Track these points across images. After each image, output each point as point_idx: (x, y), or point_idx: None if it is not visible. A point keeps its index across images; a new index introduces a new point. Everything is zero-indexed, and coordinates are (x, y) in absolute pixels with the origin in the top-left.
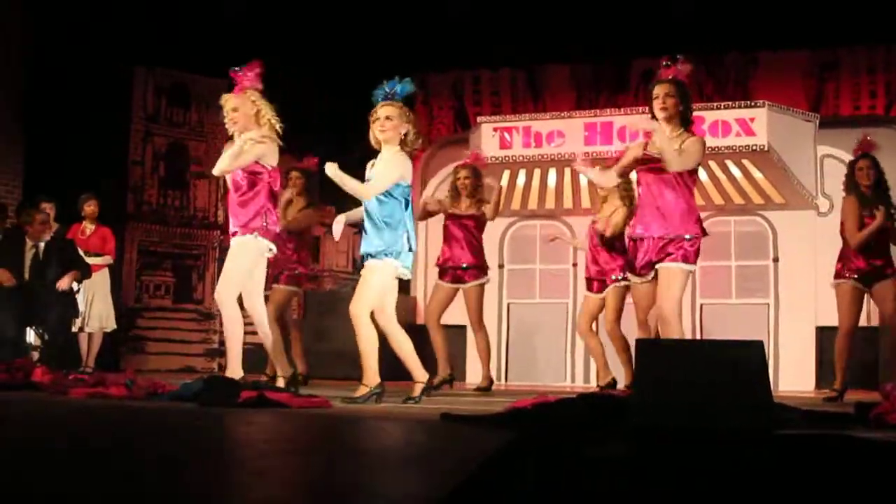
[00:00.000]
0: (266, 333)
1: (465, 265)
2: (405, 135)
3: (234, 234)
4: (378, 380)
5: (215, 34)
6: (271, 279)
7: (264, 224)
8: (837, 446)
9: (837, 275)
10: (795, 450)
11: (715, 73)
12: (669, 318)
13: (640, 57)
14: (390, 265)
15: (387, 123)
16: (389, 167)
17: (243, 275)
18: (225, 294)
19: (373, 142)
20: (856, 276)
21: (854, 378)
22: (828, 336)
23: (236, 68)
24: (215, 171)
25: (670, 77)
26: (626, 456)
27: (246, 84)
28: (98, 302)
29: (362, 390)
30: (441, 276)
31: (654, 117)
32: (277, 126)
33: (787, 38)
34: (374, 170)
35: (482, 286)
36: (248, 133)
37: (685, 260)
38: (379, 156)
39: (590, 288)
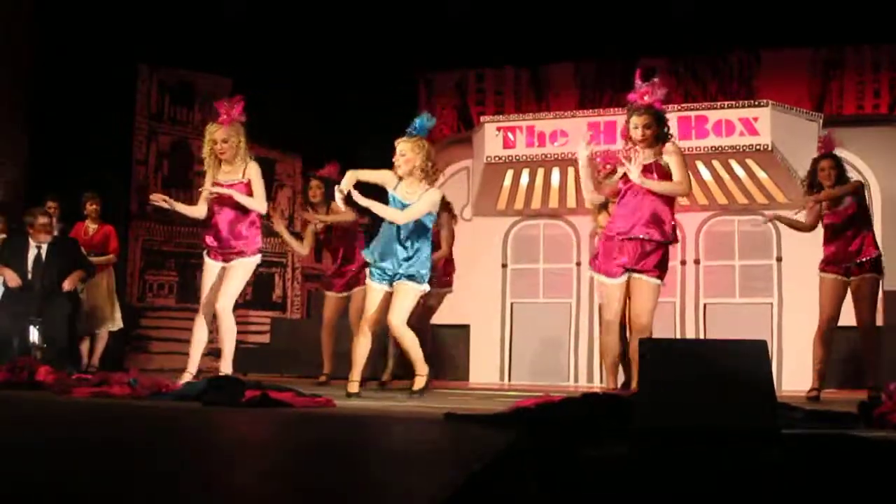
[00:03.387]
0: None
1: None
2: (420, 165)
3: (240, 253)
4: (427, 367)
5: (219, 32)
6: (344, 285)
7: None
8: (841, 446)
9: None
10: (799, 449)
11: (719, 71)
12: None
13: (645, 56)
14: (422, 289)
15: (400, 159)
16: (424, 204)
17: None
18: (230, 307)
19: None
20: (833, 266)
21: (856, 377)
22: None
23: (224, 102)
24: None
25: (645, 108)
26: (630, 456)
27: (234, 116)
28: (101, 302)
29: (420, 382)
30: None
31: (630, 140)
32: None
33: (791, 36)
34: (411, 200)
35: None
36: (252, 170)
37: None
38: (406, 185)
39: None
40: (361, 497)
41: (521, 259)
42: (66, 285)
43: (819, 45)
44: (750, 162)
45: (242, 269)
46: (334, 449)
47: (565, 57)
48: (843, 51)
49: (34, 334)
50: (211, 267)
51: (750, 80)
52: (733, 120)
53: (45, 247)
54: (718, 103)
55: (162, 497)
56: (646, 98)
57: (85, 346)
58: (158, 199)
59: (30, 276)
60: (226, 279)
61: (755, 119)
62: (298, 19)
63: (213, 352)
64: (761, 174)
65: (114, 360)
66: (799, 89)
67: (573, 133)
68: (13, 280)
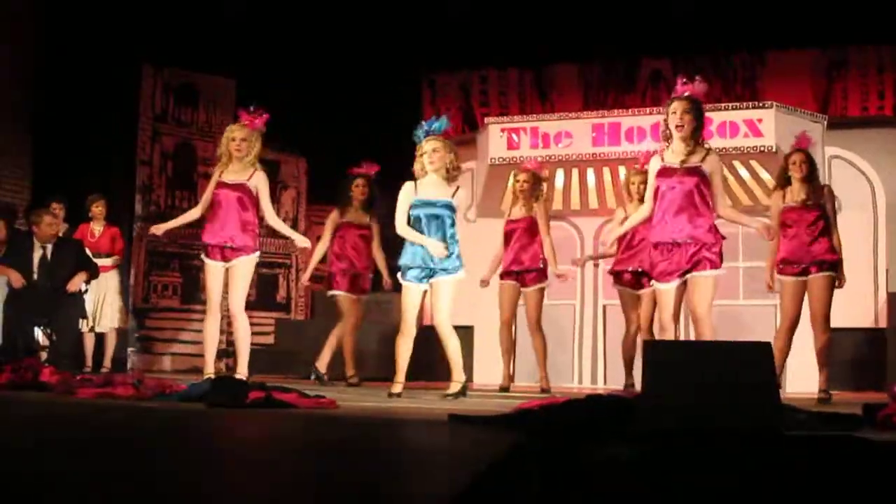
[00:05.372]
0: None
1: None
2: (449, 164)
3: (243, 250)
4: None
5: (223, 33)
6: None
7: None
8: (845, 448)
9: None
10: (804, 451)
11: (723, 73)
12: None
13: (648, 57)
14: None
15: (434, 156)
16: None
17: None
18: (242, 306)
19: (417, 171)
20: (793, 268)
21: (860, 379)
22: (837, 337)
23: (250, 109)
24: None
25: (687, 94)
26: (634, 458)
27: (256, 125)
28: (110, 302)
29: (455, 387)
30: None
31: (668, 132)
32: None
33: (794, 37)
34: (439, 198)
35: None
36: (260, 177)
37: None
38: (431, 184)
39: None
40: (366, 498)
41: None
42: (71, 287)
43: (823, 47)
44: (754, 163)
45: (251, 266)
46: (337, 450)
47: (569, 58)
48: (847, 52)
49: (39, 335)
50: (212, 267)
51: (754, 82)
52: (737, 121)
53: (49, 248)
54: (722, 105)
55: (165, 498)
56: (687, 94)
57: (90, 347)
58: (158, 232)
59: (35, 276)
60: (231, 280)
61: (759, 120)
62: (302, 21)
63: (216, 352)
64: (765, 175)
65: (118, 361)
66: (803, 91)
67: (577, 134)
68: (17, 281)
